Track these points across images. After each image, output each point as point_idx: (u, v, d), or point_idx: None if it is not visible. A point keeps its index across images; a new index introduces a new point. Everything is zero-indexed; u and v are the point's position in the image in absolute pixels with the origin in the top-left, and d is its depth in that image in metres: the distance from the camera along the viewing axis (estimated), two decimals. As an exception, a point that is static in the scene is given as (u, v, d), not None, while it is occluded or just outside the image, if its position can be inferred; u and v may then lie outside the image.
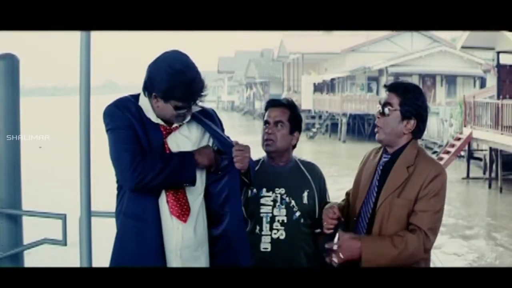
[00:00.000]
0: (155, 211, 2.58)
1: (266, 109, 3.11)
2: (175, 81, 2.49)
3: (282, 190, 3.01)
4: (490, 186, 18.24)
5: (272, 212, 2.99)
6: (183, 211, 2.62)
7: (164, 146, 2.62)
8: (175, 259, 2.61)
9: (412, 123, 2.75)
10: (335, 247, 2.60)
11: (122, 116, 2.56)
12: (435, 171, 2.68)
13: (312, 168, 3.11)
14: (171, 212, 2.60)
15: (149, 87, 2.57)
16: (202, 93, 2.56)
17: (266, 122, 3.06)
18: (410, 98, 2.74)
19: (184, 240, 2.62)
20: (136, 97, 2.66)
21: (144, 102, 2.62)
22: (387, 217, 2.66)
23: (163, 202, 2.61)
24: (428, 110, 2.79)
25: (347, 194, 2.99)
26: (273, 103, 3.11)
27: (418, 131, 2.77)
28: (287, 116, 3.05)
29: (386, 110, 2.74)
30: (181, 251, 2.61)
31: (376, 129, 2.79)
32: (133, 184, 2.50)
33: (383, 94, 2.80)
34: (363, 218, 2.76)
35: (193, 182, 2.58)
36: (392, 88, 2.77)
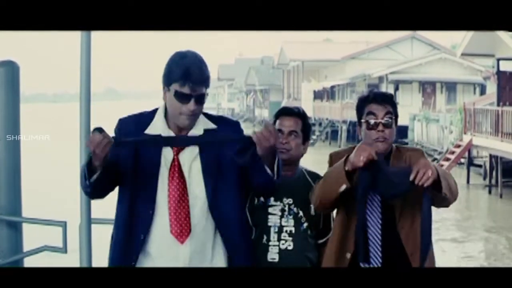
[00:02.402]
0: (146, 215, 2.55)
1: (277, 117, 3.06)
2: (175, 62, 2.54)
3: (290, 200, 2.97)
4: (490, 193, 18.23)
5: (280, 222, 2.95)
6: (181, 232, 2.54)
7: (159, 164, 2.57)
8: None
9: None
10: (419, 169, 2.57)
11: (118, 135, 2.57)
12: (423, 155, 2.85)
13: (318, 178, 3.09)
14: (171, 230, 2.53)
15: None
16: (197, 77, 2.51)
17: (279, 131, 2.97)
18: (395, 103, 2.87)
19: (191, 256, 2.55)
20: (152, 112, 2.67)
21: (159, 116, 2.64)
22: (407, 210, 2.74)
23: (166, 220, 2.55)
24: None
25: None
26: (285, 112, 3.06)
27: None
28: (300, 126, 3.03)
29: (390, 121, 2.79)
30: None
31: (381, 140, 2.77)
32: None
33: (373, 106, 2.80)
34: (373, 219, 2.77)
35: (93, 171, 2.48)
36: (386, 98, 2.84)
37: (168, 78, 2.53)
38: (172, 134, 2.60)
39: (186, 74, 2.49)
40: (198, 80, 2.51)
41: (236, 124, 2.76)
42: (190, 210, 2.56)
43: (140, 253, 2.55)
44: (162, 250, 2.55)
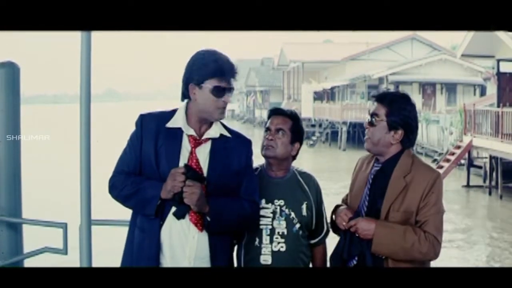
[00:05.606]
0: (154, 223, 2.63)
1: (268, 117, 3.10)
2: (207, 59, 2.65)
3: (282, 202, 2.98)
4: (490, 194, 18.23)
5: (272, 224, 2.95)
6: (199, 219, 2.64)
7: (179, 155, 2.66)
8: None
9: (400, 133, 2.76)
10: (352, 223, 2.70)
11: (140, 128, 2.70)
12: (433, 179, 2.72)
13: (309, 179, 3.09)
14: (190, 218, 2.63)
15: (185, 82, 2.69)
16: (234, 71, 2.68)
17: (267, 129, 3.04)
18: (397, 108, 2.76)
19: (198, 250, 2.64)
20: (171, 112, 2.76)
21: (180, 113, 2.73)
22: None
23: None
24: (417, 119, 2.81)
25: (343, 201, 3.00)
26: (276, 111, 3.10)
27: (407, 141, 2.78)
28: (289, 125, 3.04)
29: (373, 120, 2.78)
30: (194, 260, 2.63)
31: (364, 138, 2.83)
32: (108, 189, 2.72)
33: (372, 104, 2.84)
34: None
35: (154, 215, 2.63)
36: (379, 98, 2.82)
37: (202, 75, 2.64)
38: (191, 131, 2.70)
39: (224, 69, 2.64)
40: (234, 74, 2.68)
41: (248, 142, 2.86)
42: None
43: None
44: (179, 238, 2.63)
